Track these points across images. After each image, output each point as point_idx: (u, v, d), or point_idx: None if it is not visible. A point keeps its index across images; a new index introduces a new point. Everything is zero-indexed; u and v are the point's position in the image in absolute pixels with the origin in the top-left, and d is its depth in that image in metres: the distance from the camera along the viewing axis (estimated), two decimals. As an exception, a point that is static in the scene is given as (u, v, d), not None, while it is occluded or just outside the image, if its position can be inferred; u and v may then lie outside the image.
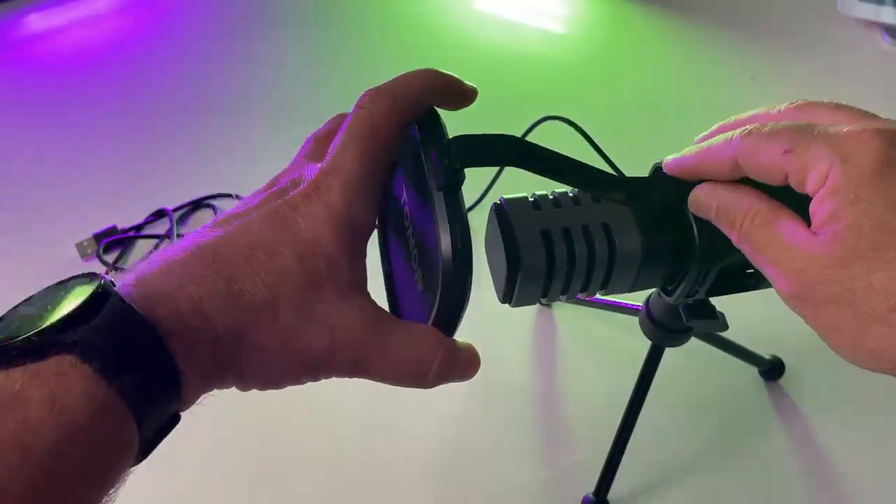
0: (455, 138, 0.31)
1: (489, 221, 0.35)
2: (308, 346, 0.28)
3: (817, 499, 0.57)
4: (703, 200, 0.32)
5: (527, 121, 0.85)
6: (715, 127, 0.34)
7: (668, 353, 0.54)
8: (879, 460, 0.59)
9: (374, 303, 0.30)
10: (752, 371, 0.64)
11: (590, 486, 0.56)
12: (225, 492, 0.58)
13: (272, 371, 0.29)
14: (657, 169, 0.36)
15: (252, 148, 0.93)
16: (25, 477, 0.21)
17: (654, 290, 0.43)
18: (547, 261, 0.34)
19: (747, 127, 0.30)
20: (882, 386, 0.61)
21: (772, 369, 0.63)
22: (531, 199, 0.35)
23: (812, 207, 0.27)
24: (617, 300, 0.64)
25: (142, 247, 0.80)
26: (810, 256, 0.27)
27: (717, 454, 0.59)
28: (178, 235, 0.79)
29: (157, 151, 0.95)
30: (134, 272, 0.27)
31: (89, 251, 0.77)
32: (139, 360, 0.25)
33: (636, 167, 0.37)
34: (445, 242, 0.29)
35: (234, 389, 0.29)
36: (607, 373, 0.65)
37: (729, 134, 0.30)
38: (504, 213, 0.34)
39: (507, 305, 0.36)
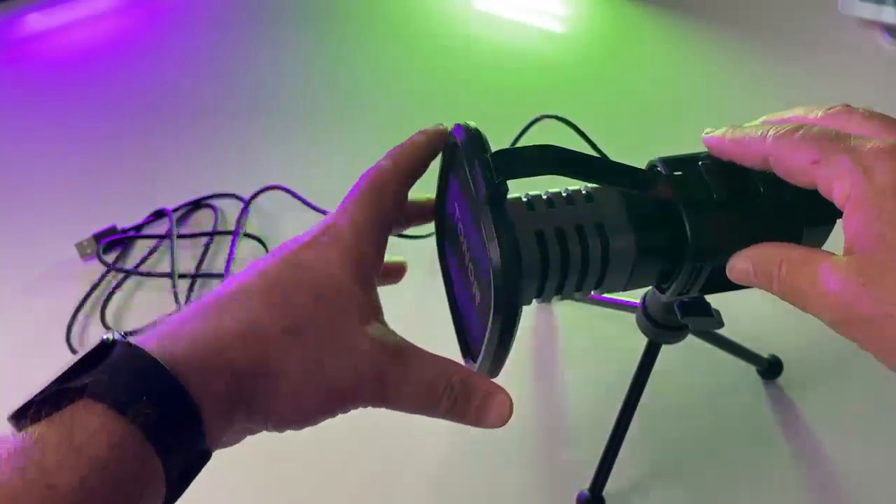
0: (496, 153, 0.32)
1: None
2: (334, 373, 0.29)
3: (815, 498, 0.57)
4: (741, 266, 0.32)
5: (527, 120, 0.85)
6: (759, 120, 0.34)
7: (666, 351, 0.54)
8: (878, 460, 0.59)
9: (393, 331, 0.32)
10: (751, 370, 0.64)
11: (585, 483, 0.56)
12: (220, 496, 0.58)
13: (300, 402, 0.29)
14: (652, 167, 0.37)
15: (252, 148, 0.93)
16: None
17: (650, 287, 0.43)
18: (541, 261, 0.34)
19: (780, 127, 0.30)
20: (881, 386, 0.61)
21: (770, 369, 0.63)
22: (525, 200, 0.35)
23: (843, 224, 0.28)
24: (615, 297, 0.64)
25: (142, 247, 0.80)
26: (845, 280, 0.27)
27: (714, 452, 0.59)
28: (178, 236, 0.79)
29: (157, 151, 0.95)
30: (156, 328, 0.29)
31: (89, 251, 0.77)
32: (151, 392, 0.25)
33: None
34: (494, 255, 0.30)
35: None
36: (606, 369, 0.65)
37: (763, 128, 0.31)
38: None
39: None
